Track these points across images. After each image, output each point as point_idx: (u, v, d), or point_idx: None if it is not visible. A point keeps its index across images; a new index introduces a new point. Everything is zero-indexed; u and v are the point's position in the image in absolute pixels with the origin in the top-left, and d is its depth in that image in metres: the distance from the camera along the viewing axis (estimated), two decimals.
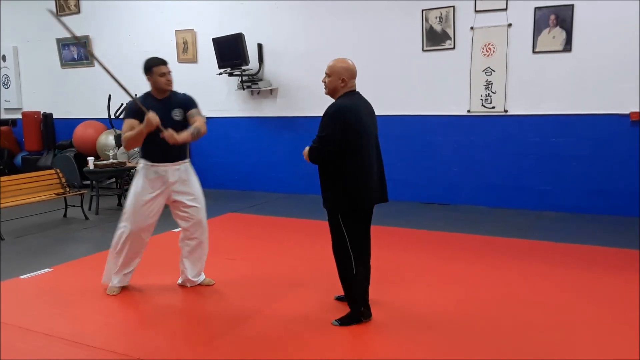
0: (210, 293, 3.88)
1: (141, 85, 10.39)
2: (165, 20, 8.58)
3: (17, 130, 10.33)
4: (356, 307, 3.30)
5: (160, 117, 3.49)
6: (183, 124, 3.70)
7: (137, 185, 3.74)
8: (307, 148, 3.21)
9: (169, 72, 3.73)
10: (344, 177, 3.14)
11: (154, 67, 3.66)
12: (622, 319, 3.25)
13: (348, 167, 3.13)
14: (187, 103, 3.78)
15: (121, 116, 8.79)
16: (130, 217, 3.73)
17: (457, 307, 3.50)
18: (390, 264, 4.32)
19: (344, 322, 3.27)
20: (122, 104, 8.65)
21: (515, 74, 6.37)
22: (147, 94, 3.75)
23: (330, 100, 3.26)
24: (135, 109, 3.59)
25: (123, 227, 3.78)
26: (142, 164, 3.77)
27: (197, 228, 3.88)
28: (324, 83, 3.27)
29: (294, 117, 7.57)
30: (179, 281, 4.07)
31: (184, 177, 3.78)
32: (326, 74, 3.24)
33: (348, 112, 3.11)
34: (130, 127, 3.55)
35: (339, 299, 3.64)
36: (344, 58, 3.27)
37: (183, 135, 3.55)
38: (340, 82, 3.19)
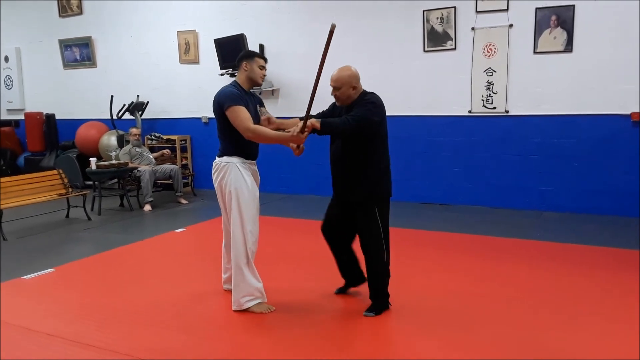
0: (213, 293, 3.88)
1: (144, 87, 10.41)
2: (167, 21, 8.61)
3: (20, 131, 10.39)
4: (384, 294, 3.42)
5: (252, 111, 3.42)
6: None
7: (243, 185, 3.40)
8: (315, 121, 3.19)
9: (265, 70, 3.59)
10: (381, 166, 3.31)
11: (257, 56, 3.52)
12: (622, 319, 3.25)
13: (383, 156, 3.33)
14: (260, 101, 3.68)
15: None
16: (253, 219, 3.45)
17: (459, 307, 3.51)
18: (391, 264, 4.33)
19: (378, 311, 3.38)
20: (124, 105, 8.69)
21: (517, 75, 6.37)
22: (237, 85, 3.48)
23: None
24: (240, 96, 3.38)
25: (250, 234, 3.42)
26: (235, 161, 3.42)
27: None
28: (336, 96, 3.30)
29: (295, 117, 7.58)
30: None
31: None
32: (334, 87, 3.27)
33: (383, 103, 3.29)
34: (248, 117, 3.31)
35: (339, 292, 3.73)
36: (346, 65, 3.32)
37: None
38: (351, 89, 3.28)
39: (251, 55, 3.53)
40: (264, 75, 3.56)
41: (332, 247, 3.62)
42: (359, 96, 3.33)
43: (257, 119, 3.48)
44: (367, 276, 3.45)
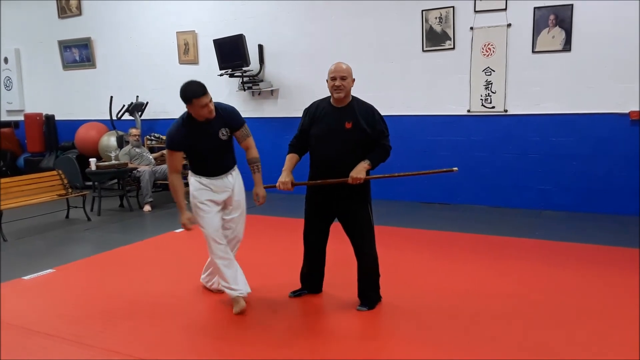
0: (213, 293, 3.88)
1: (144, 87, 10.36)
2: (166, 22, 8.61)
3: (20, 132, 10.38)
4: (378, 288, 3.52)
5: (206, 140, 3.37)
6: (228, 143, 3.50)
7: (195, 199, 3.50)
8: (365, 164, 3.25)
9: (210, 100, 3.29)
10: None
11: (194, 99, 3.22)
12: (622, 318, 3.26)
13: None
14: (233, 121, 3.48)
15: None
16: (213, 232, 3.52)
17: (458, 306, 3.51)
18: (391, 263, 4.33)
19: (371, 305, 3.45)
20: (124, 106, 8.70)
21: (515, 74, 6.38)
22: (188, 118, 3.36)
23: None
24: (178, 140, 3.36)
25: (213, 243, 3.53)
26: (192, 176, 3.53)
27: None
28: (340, 87, 3.24)
29: (295, 117, 7.55)
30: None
31: None
32: (342, 77, 3.24)
33: None
34: (174, 165, 3.42)
35: (293, 295, 3.72)
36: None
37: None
38: (352, 82, 3.33)
39: (188, 99, 3.24)
40: (211, 110, 3.29)
41: (317, 253, 3.62)
42: (357, 102, 3.36)
43: (216, 143, 3.42)
44: (362, 273, 3.47)
